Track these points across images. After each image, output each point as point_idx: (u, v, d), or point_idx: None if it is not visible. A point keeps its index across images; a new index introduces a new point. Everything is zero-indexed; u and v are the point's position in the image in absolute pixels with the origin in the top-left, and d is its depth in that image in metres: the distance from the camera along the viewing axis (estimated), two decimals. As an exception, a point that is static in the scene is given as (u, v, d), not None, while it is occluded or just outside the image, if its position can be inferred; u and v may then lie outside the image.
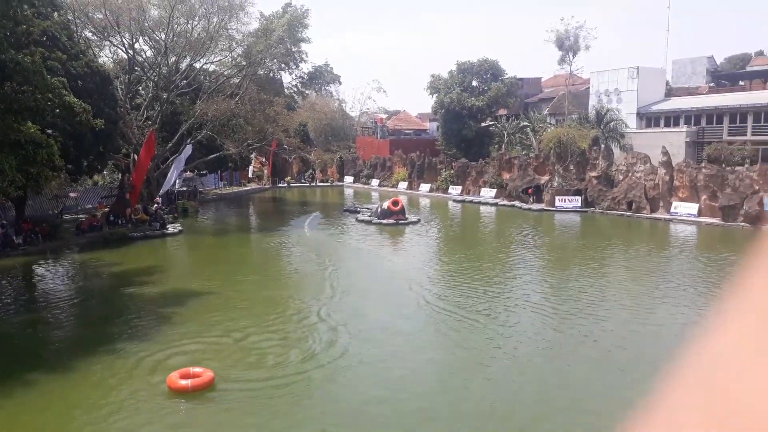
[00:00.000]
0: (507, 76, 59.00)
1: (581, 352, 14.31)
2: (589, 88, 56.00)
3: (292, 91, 65.95)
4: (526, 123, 55.16)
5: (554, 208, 42.56)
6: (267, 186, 64.75)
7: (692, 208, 36.70)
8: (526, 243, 31.73)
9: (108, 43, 37.93)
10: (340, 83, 74.83)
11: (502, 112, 60.83)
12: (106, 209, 35.49)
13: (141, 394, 11.71)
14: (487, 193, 49.73)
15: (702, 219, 35.93)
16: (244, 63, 42.67)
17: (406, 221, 36.82)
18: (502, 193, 48.33)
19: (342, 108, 76.36)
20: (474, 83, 59.13)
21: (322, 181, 69.71)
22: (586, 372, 13.14)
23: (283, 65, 55.75)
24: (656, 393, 0.58)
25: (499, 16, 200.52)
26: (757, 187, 34.00)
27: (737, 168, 37.72)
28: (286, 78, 67.49)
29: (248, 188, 62.25)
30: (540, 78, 72.71)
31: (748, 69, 62.27)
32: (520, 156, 49.77)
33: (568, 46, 50.94)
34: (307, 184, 67.90)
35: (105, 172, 45.66)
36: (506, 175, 49.24)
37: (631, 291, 20.45)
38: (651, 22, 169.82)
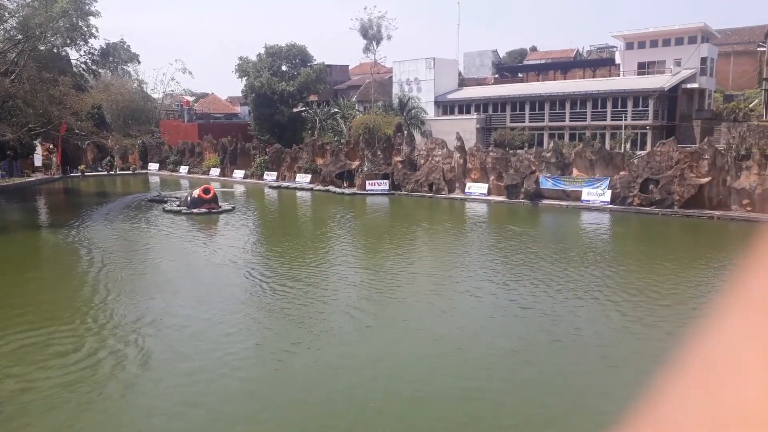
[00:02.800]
0: (316, 63, 59.81)
1: (393, 319, 15.49)
2: (392, 76, 59.15)
3: (81, 70, 59.32)
4: (336, 110, 56.62)
5: (365, 192, 44.60)
6: (57, 176, 57.95)
7: (483, 188, 41.06)
8: (342, 226, 32.90)
9: None
10: (139, 62, 69.15)
11: (314, 98, 61.60)
12: None
13: None
14: (303, 179, 50.28)
15: (491, 197, 40.40)
16: (20, 37, 37.46)
17: (220, 209, 35.81)
18: (317, 178, 49.27)
19: (142, 89, 70.75)
20: (283, 68, 58.96)
21: (122, 169, 64.38)
22: (390, 333, 14.30)
23: (68, 41, 49.87)
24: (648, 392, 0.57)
25: (306, 1, 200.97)
26: (533, 168, 39.13)
27: (518, 151, 42.99)
28: (74, 55, 60.62)
29: (33, 179, 55.11)
30: (348, 66, 74.88)
31: (525, 63, 70.80)
32: (332, 142, 51.06)
33: (371, 35, 53.22)
34: (105, 173, 62.20)
35: None
36: (320, 161, 50.26)
37: (432, 261, 22.47)
38: (445, 16, 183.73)
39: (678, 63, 47.56)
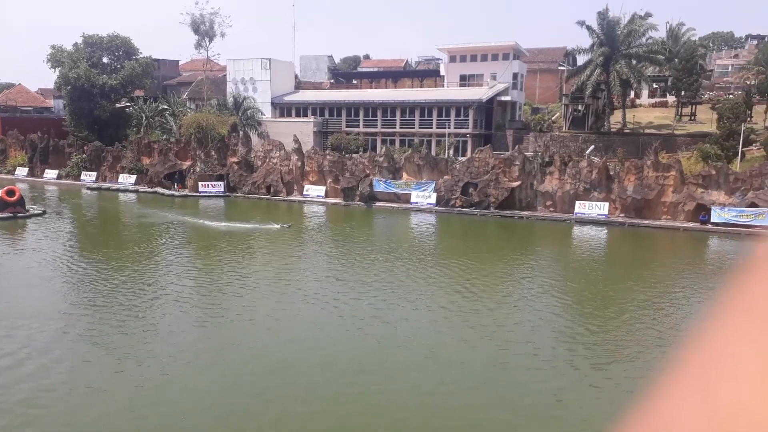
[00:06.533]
0: (142, 56, 56.00)
1: (225, 340, 15.25)
2: (226, 74, 57.53)
3: None
4: (165, 106, 53.59)
5: (198, 194, 42.85)
6: None
7: (320, 190, 41.70)
8: (169, 230, 31.23)
9: None
10: None
11: (140, 93, 57.65)
12: None
13: None
14: (127, 180, 46.84)
15: (329, 200, 41.18)
16: None
17: (27, 214, 32.18)
18: (144, 179, 46.22)
19: (-74, 75, 60.78)
20: (105, 60, 54.42)
21: None
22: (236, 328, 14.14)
23: None
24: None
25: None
26: (368, 172, 40.64)
27: (353, 155, 44.33)
28: None
29: None
30: (178, 61, 71.32)
31: (359, 70, 73.12)
32: (160, 140, 48.26)
33: (203, 31, 51.25)
34: None
35: None
36: (147, 160, 47.21)
37: (269, 269, 22.43)
38: (281, 17, 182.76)
39: (494, 77, 52.51)
